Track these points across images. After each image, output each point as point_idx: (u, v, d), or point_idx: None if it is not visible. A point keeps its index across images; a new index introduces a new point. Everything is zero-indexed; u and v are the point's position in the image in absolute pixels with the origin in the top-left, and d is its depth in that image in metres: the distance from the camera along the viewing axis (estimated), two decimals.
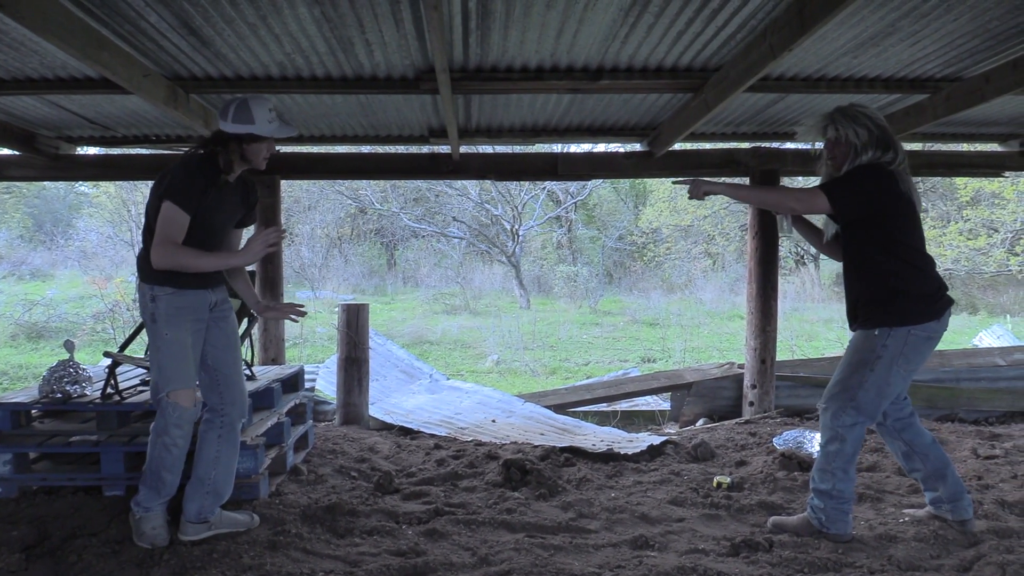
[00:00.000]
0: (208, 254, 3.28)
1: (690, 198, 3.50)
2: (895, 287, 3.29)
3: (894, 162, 3.33)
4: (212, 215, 3.32)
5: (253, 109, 3.29)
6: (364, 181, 21.16)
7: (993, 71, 4.29)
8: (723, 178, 3.38)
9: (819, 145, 3.66)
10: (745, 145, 6.39)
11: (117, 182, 18.52)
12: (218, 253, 3.37)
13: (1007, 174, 7.53)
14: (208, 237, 3.32)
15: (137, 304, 3.87)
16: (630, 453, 4.97)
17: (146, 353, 4.40)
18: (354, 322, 6.07)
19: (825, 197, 3.27)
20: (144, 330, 4.37)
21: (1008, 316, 16.38)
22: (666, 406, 7.07)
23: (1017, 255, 18.46)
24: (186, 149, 3.54)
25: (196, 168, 3.27)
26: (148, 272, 3.24)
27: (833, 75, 4.54)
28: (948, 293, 3.40)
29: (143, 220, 3.35)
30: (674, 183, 3.61)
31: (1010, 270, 18.82)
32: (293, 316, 3.62)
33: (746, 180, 6.36)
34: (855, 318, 3.47)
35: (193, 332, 3.34)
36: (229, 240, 3.56)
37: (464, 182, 20.86)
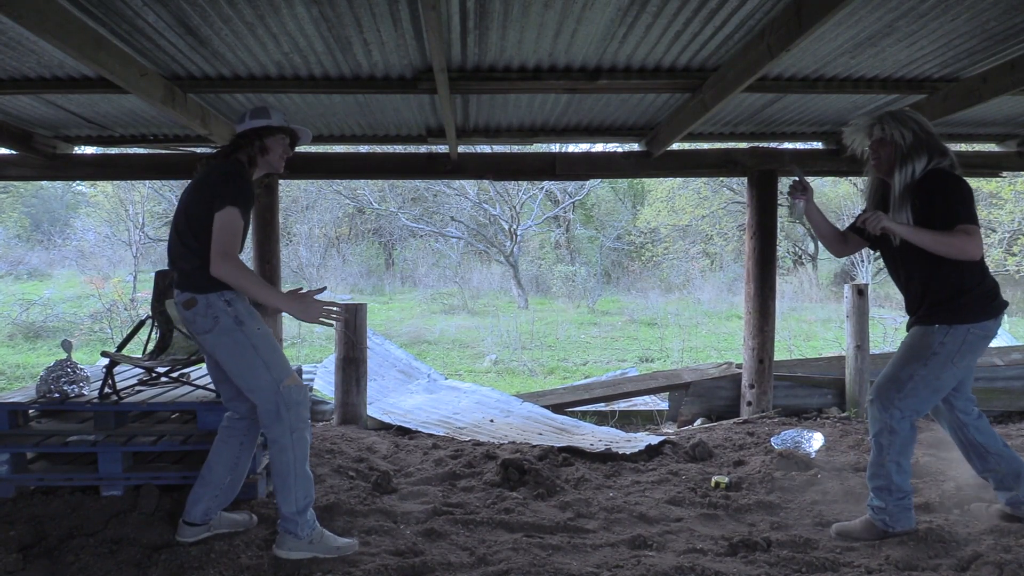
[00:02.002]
0: (265, 286, 3.21)
1: (870, 229, 3.32)
2: (961, 285, 3.30)
3: (955, 167, 3.35)
4: (248, 218, 3.32)
5: (269, 109, 3.42)
6: (362, 181, 21.20)
7: (990, 71, 4.30)
8: (898, 223, 3.29)
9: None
10: (743, 145, 6.40)
11: (115, 181, 18.46)
12: (274, 290, 3.28)
13: (1004, 174, 7.54)
14: (242, 241, 3.30)
15: (155, 319, 3.78)
16: (628, 453, 4.97)
17: (174, 368, 4.40)
18: (352, 322, 6.07)
19: (978, 227, 3.20)
20: (162, 336, 4.38)
21: (1005, 316, 16.38)
22: (664, 406, 7.08)
23: (1015, 255, 18.48)
24: (205, 157, 3.49)
25: (241, 173, 3.26)
26: (210, 281, 3.15)
27: (831, 75, 4.54)
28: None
29: (187, 232, 3.22)
30: (863, 222, 3.38)
31: (1007, 270, 18.84)
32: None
33: (745, 179, 6.39)
34: (915, 312, 3.46)
35: None
36: None
37: (462, 182, 20.89)
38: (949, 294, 3.31)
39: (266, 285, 3.20)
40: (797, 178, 3.73)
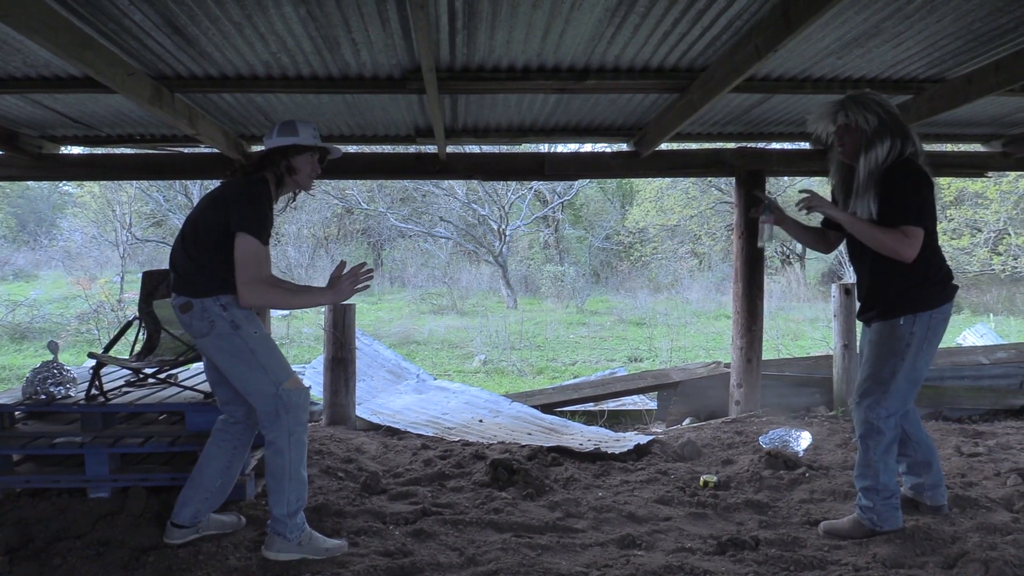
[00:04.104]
0: (296, 292, 3.23)
1: (802, 207, 3.42)
2: (918, 276, 3.34)
3: (918, 154, 3.35)
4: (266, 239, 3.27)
5: (298, 125, 3.40)
6: (350, 181, 21.12)
7: (975, 72, 4.32)
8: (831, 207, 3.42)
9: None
10: (731, 145, 6.41)
11: (101, 182, 18.35)
12: (310, 290, 3.30)
13: (990, 174, 7.59)
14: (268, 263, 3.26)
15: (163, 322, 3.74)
16: (617, 452, 4.98)
17: (161, 369, 4.37)
18: (341, 322, 6.05)
19: (921, 230, 3.24)
20: (148, 336, 4.36)
21: (991, 315, 16.52)
22: (653, 405, 7.09)
23: (1000, 255, 18.63)
24: (234, 168, 3.45)
25: (261, 196, 3.23)
26: (208, 285, 3.15)
27: (818, 76, 4.56)
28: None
29: (192, 240, 3.21)
30: (799, 202, 3.48)
31: (993, 269, 18.98)
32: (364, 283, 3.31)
33: (733, 179, 6.41)
34: (871, 309, 3.49)
35: None
36: None
37: (451, 182, 20.86)
38: (907, 285, 3.35)
39: (299, 291, 3.23)
40: (764, 203, 3.69)
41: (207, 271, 3.16)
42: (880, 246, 3.27)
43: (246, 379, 3.20)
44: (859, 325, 3.77)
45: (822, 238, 3.82)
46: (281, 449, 3.22)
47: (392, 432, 5.84)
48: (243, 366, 3.18)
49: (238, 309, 3.19)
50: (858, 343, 6.28)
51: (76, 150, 7.50)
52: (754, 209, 3.79)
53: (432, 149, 6.57)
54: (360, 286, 3.26)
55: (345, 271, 3.27)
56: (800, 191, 3.53)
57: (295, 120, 3.42)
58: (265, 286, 3.11)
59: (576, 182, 21.44)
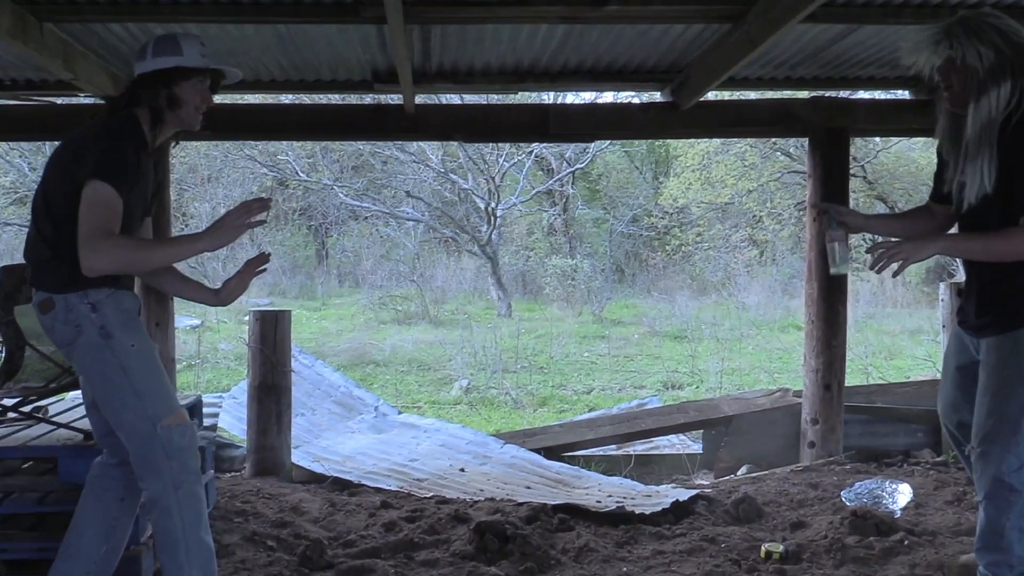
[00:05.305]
0: (166, 243, 3.21)
1: (878, 270, 3.32)
2: None
3: None
4: (134, 197, 3.22)
5: (181, 41, 3.31)
6: (284, 143, 21.08)
7: None
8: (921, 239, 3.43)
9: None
10: (803, 94, 6.42)
11: None
12: (179, 238, 3.29)
13: None
14: (126, 228, 3.18)
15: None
16: (648, 512, 4.99)
17: (26, 400, 4.36)
18: (271, 335, 6.04)
19: None
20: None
21: None
22: (697, 448, 7.11)
23: None
24: (95, 110, 3.43)
25: (122, 136, 3.19)
26: (70, 278, 3.09)
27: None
28: None
29: (42, 213, 3.20)
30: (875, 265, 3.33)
31: None
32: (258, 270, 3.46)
33: (806, 140, 6.41)
34: (984, 315, 3.44)
35: None
36: (141, 231, 3.45)
37: (421, 144, 20.83)
38: None
39: (169, 244, 3.22)
40: (828, 214, 3.64)
41: (66, 255, 3.08)
42: (1003, 256, 3.24)
43: (115, 408, 3.16)
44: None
45: (926, 219, 3.77)
46: (168, 509, 3.15)
47: (341, 485, 5.84)
48: (111, 388, 3.15)
49: (114, 311, 3.15)
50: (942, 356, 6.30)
51: None
52: (826, 227, 3.72)
53: (396, 99, 6.56)
54: (253, 220, 3.25)
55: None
56: (831, 213, 3.55)
57: (176, 34, 3.35)
58: (114, 242, 3.03)
59: (592, 144, 21.46)
